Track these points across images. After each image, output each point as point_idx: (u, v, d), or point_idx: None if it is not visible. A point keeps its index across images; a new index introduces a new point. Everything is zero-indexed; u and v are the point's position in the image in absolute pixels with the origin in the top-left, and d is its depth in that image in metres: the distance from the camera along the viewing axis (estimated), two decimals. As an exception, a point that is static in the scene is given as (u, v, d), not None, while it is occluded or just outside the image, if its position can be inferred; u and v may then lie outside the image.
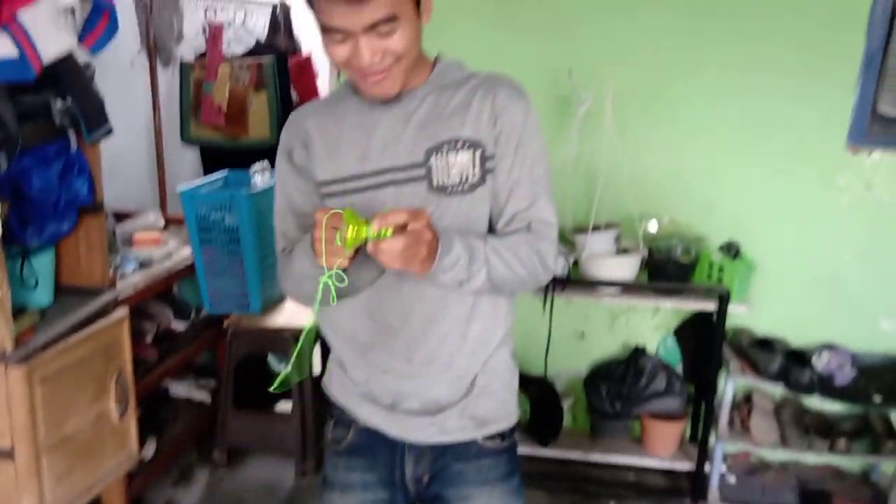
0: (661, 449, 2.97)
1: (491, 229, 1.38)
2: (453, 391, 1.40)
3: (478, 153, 1.30)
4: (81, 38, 2.13)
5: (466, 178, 1.30)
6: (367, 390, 1.43)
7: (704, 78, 2.89)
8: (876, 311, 2.98)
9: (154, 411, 2.91)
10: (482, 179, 1.31)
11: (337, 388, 1.49)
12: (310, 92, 3.93)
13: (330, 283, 1.18)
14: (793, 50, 2.81)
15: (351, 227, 1.14)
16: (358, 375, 1.43)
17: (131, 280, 2.54)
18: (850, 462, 3.02)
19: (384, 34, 1.20)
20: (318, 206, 1.38)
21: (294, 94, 3.75)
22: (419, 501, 1.49)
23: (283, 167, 1.41)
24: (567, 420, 3.14)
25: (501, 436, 1.47)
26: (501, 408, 1.46)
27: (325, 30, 1.21)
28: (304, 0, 1.26)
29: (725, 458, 2.99)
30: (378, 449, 1.45)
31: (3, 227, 1.91)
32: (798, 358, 2.81)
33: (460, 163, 1.30)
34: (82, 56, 2.14)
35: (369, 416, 1.44)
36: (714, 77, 2.88)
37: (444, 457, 1.43)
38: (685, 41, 2.87)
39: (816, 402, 2.95)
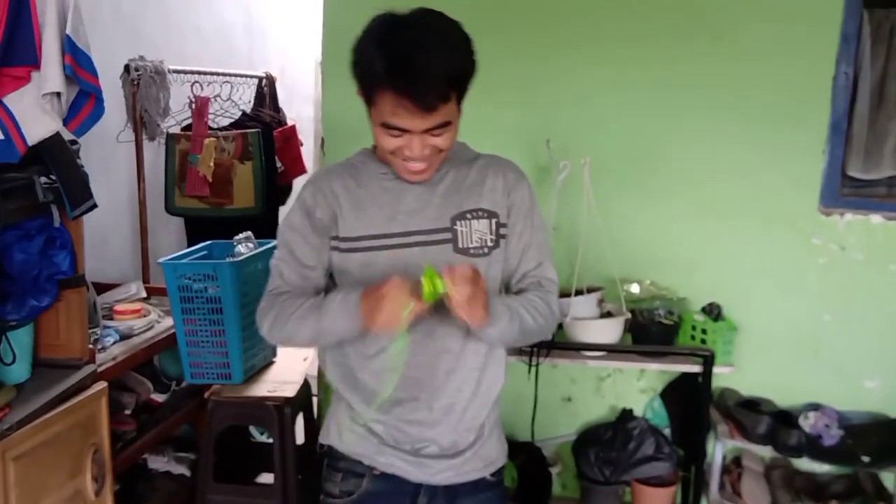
0: (652, 515, 2.92)
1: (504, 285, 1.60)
2: (469, 436, 1.57)
3: (493, 221, 1.54)
4: (66, 122, 2.17)
5: (485, 243, 1.53)
6: (387, 438, 1.55)
7: (679, 146, 2.97)
8: (858, 370, 2.99)
9: (132, 486, 2.84)
10: (496, 244, 1.54)
11: (350, 439, 1.58)
12: (295, 162, 3.98)
13: (401, 345, 1.38)
14: (763, 119, 2.91)
15: (428, 282, 1.32)
16: (378, 427, 1.54)
17: (111, 352, 2.51)
18: (844, 524, 2.98)
19: (436, 135, 1.40)
20: (323, 258, 1.53)
21: (279, 164, 3.80)
22: None
23: (300, 221, 1.54)
24: (556, 487, 3.10)
25: (499, 470, 1.66)
26: (502, 447, 1.67)
27: (384, 125, 1.39)
28: (363, 95, 1.44)
29: (717, 523, 2.94)
30: (394, 494, 1.56)
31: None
32: (785, 419, 2.80)
33: (480, 229, 1.52)
34: (68, 133, 2.17)
35: (390, 462, 1.55)
36: (688, 145, 2.96)
37: (455, 495, 1.58)
38: (659, 113, 2.96)
39: (806, 464, 2.93)
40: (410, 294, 1.33)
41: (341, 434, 1.59)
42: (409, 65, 1.32)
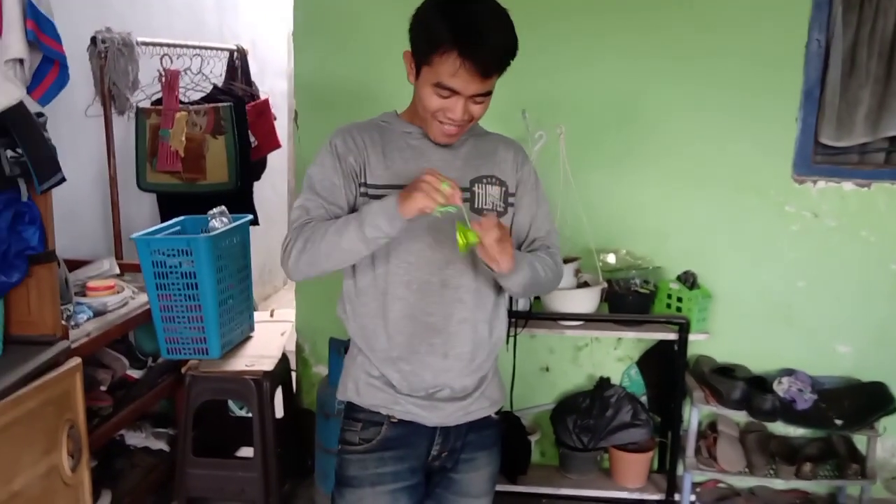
0: (630, 480, 2.96)
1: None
2: (476, 380, 1.70)
3: (503, 189, 1.70)
4: (30, 89, 2.12)
5: (496, 207, 1.68)
6: (401, 387, 1.65)
7: (653, 116, 2.97)
8: (831, 335, 3.04)
9: (109, 462, 2.82)
10: (505, 210, 1.70)
11: (367, 392, 1.68)
12: (268, 136, 3.93)
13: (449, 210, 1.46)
14: (735, 88, 2.92)
15: (461, 235, 1.46)
16: (394, 375, 1.65)
17: (85, 328, 2.48)
18: (817, 486, 3.04)
19: (478, 102, 1.56)
20: (349, 201, 1.62)
21: (252, 139, 3.75)
22: (431, 473, 1.75)
23: (331, 163, 1.63)
24: (535, 455, 3.12)
25: (499, 410, 1.80)
26: (502, 389, 1.82)
27: (438, 85, 1.51)
28: (415, 57, 1.55)
29: (694, 487, 2.99)
30: (412, 437, 1.68)
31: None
32: (759, 384, 2.84)
33: (493, 194, 1.68)
34: (34, 105, 2.12)
35: (407, 409, 1.66)
36: (662, 114, 2.97)
37: (464, 432, 1.71)
38: (633, 82, 2.96)
39: (780, 428, 2.97)
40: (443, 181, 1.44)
41: (359, 389, 1.69)
42: (476, 31, 1.46)
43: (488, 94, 1.56)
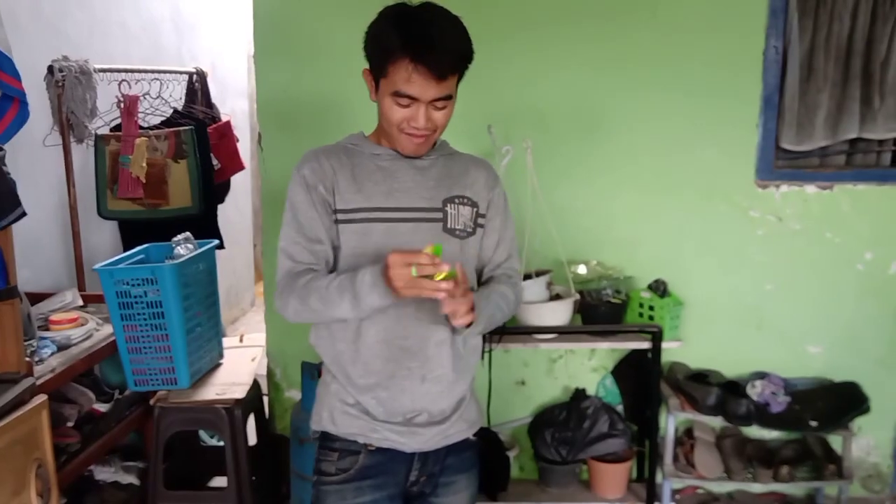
0: (609, 491, 2.96)
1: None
2: (454, 402, 1.69)
3: (474, 210, 1.70)
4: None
5: (466, 227, 1.68)
6: (378, 414, 1.64)
7: (618, 125, 2.99)
8: (801, 337, 3.07)
9: (79, 499, 2.74)
10: (474, 231, 1.70)
11: (343, 421, 1.66)
12: (231, 158, 3.89)
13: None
14: (698, 95, 2.96)
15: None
16: (370, 402, 1.63)
17: (49, 364, 2.41)
18: (795, 488, 3.05)
19: (439, 108, 1.56)
20: (329, 232, 1.63)
21: (215, 161, 3.70)
22: (410, 499, 1.73)
23: (303, 197, 1.63)
24: (514, 470, 3.10)
25: (478, 431, 1.78)
26: (479, 410, 1.81)
27: (396, 94, 1.53)
28: (372, 73, 1.58)
29: (673, 494, 2.99)
30: (390, 464, 1.66)
31: None
32: (733, 389, 2.86)
33: (464, 214, 1.68)
34: (-8, 141, 2.07)
35: (385, 435, 1.64)
36: (627, 123, 2.99)
37: (443, 456, 1.70)
38: (598, 92, 2.98)
39: (756, 431, 2.99)
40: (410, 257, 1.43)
41: (334, 417, 1.67)
42: (426, 35, 1.48)
43: (448, 98, 1.56)
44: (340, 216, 1.63)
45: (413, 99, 1.53)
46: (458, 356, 1.68)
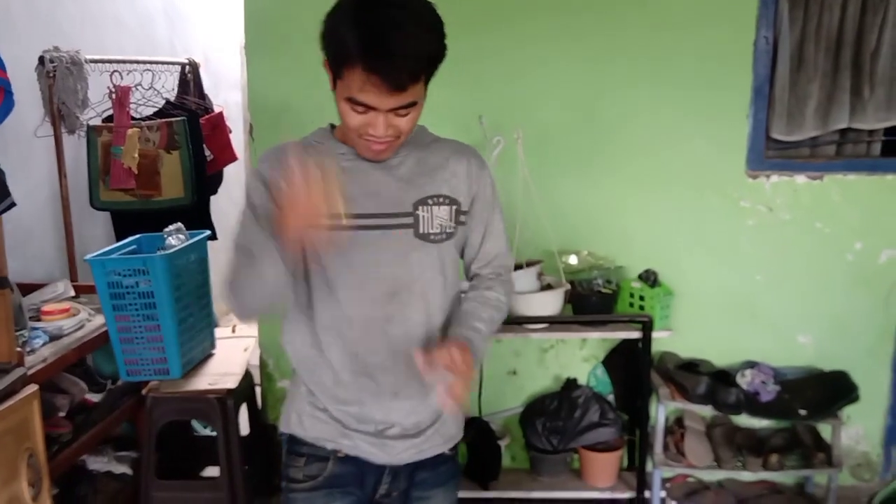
0: (600, 480, 2.98)
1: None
2: (429, 416, 1.58)
3: (454, 208, 1.54)
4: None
5: (444, 229, 1.53)
6: (349, 422, 1.54)
7: (609, 117, 3.00)
8: (791, 326, 3.09)
9: (72, 489, 2.75)
10: (455, 230, 1.55)
11: (312, 425, 1.57)
12: (224, 149, 3.88)
13: None
14: (689, 87, 2.96)
15: None
16: (340, 413, 1.54)
17: (41, 354, 2.42)
18: (785, 476, 3.07)
19: (401, 115, 1.39)
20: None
21: (208, 153, 3.70)
22: None
23: (261, 196, 1.48)
24: (506, 459, 3.12)
25: (456, 445, 1.69)
26: (459, 424, 1.68)
27: (350, 100, 1.36)
28: (329, 68, 1.41)
29: (664, 483, 3.01)
30: (359, 474, 1.57)
31: None
32: (723, 378, 2.87)
33: (441, 215, 1.52)
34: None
35: (355, 444, 1.55)
36: (618, 115, 3.00)
37: (416, 470, 1.60)
38: (588, 85, 2.99)
39: (746, 420, 3.01)
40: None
41: (302, 421, 1.58)
42: (382, 43, 1.29)
43: (412, 105, 1.39)
44: None
45: (370, 107, 1.36)
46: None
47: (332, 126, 1.58)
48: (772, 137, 3.02)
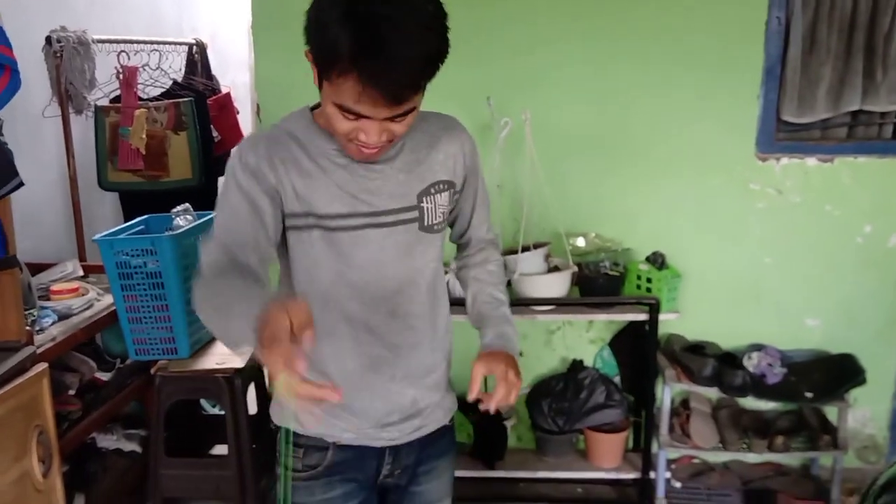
0: (606, 460, 2.99)
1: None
2: (433, 397, 1.55)
3: (451, 192, 1.48)
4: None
5: (444, 216, 1.48)
6: (350, 417, 1.48)
7: (618, 98, 2.98)
8: (799, 309, 3.08)
9: (81, 466, 2.77)
10: (450, 214, 1.52)
11: (309, 420, 1.42)
12: (231, 130, 3.88)
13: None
14: (699, 67, 2.94)
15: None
16: (339, 411, 1.46)
17: (50, 333, 2.43)
18: (790, 458, 3.08)
19: (398, 122, 1.27)
20: (267, 226, 1.35)
21: (215, 133, 3.70)
22: (386, 489, 1.61)
23: (246, 182, 1.34)
24: (511, 440, 3.14)
25: (454, 415, 1.65)
26: (453, 395, 1.64)
27: (341, 107, 1.23)
28: (314, 64, 1.24)
29: (669, 464, 3.02)
30: (360, 458, 1.52)
31: None
32: (729, 360, 2.87)
33: (442, 203, 1.46)
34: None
35: (355, 435, 1.50)
36: (627, 96, 2.97)
37: (418, 448, 1.57)
38: (597, 65, 2.97)
39: (751, 402, 3.01)
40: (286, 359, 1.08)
41: (298, 416, 1.41)
42: (380, 49, 1.14)
43: (407, 112, 1.26)
44: (299, 221, 1.37)
45: (364, 116, 1.24)
46: (437, 352, 1.53)
47: (312, 108, 1.42)
48: (782, 119, 3.00)
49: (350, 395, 1.40)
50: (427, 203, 1.43)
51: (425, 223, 1.43)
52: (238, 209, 1.35)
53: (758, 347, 2.94)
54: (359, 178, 1.37)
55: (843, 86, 2.97)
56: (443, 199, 1.46)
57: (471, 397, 1.37)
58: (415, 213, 1.42)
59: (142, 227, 2.83)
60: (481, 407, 1.38)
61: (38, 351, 2.28)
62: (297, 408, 1.11)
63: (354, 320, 1.43)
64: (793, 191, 3.02)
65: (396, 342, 1.46)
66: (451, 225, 1.62)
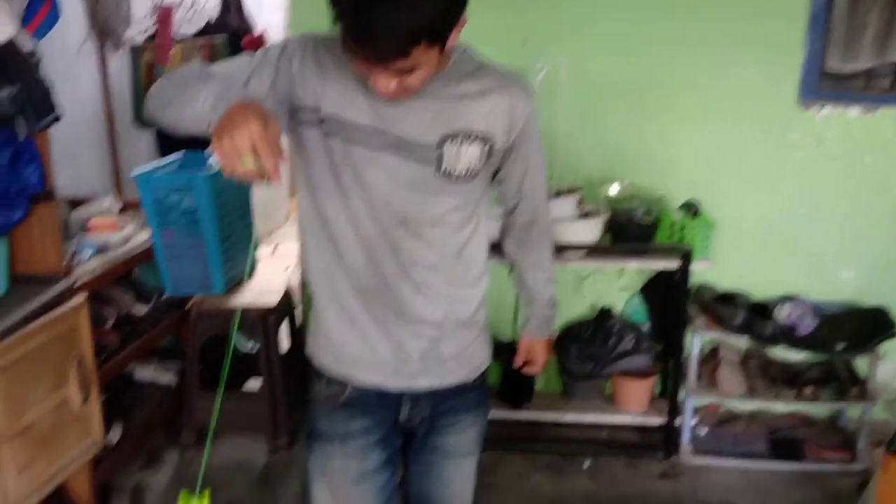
0: (632, 406, 3.01)
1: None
2: (449, 351, 1.52)
3: (486, 147, 1.40)
4: (23, 26, 2.09)
5: (471, 171, 1.40)
6: (363, 353, 1.49)
7: (656, 45, 2.91)
8: (834, 261, 3.04)
9: (119, 396, 2.87)
10: (483, 168, 1.42)
11: (326, 358, 1.53)
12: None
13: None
14: (741, 14, 2.85)
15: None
16: (353, 343, 1.48)
17: (88, 266, 2.49)
18: (818, 409, 3.08)
19: (405, 74, 1.22)
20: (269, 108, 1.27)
21: (249, 74, 3.70)
22: (410, 434, 1.61)
23: (274, 58, 1.34)
24: (539, 383, 3.16)
25: (483, 372, 1.63)
26: (487, 350, 1.63)
27: (347, 50, 1.22)
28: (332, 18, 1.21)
29: (696, 411, 3.03)
30: (379, 400, 1.53)
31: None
32: (761, 311, 2.85)
33: (469, 155, 1.38)
34: (28, 44, 2.10)
35: (370, 376, 1.50)
36: (666, 43, 2.90)
37: (440, 398, 1.55)
38: (635, 11, 2.89)
39: (782, 352, 3.00)
40: (258, 142, 1.10)
41: (319, 349, 1.55)
42: (367, 13, 1.13)
43: (411, 69, 1.22)
44: (325, 126, 1.35)
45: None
46: (450, 295, 1.49)
47: None
48: (826, 69, 2.92)
49: (359, 325, 1.47)
50: (450, 148, 1.36)
51: (442, 169, 1.37)
52: (256, 68, 1.33)
53: (790, 298, 2.92)
54: (388, 103, 1.33)
55: (889, 34, 2.87)
56: (471, 150, 1.38)
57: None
58: (433, 155, 1.36)
59: (178, 163, 2.86)
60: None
61: (78, 284, 2.34)
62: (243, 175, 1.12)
63: (362, 245, 1.41)
64: (833, 141, 2.96)
65: (404, 271, 1.43)
66: (499, 187, 1.57)
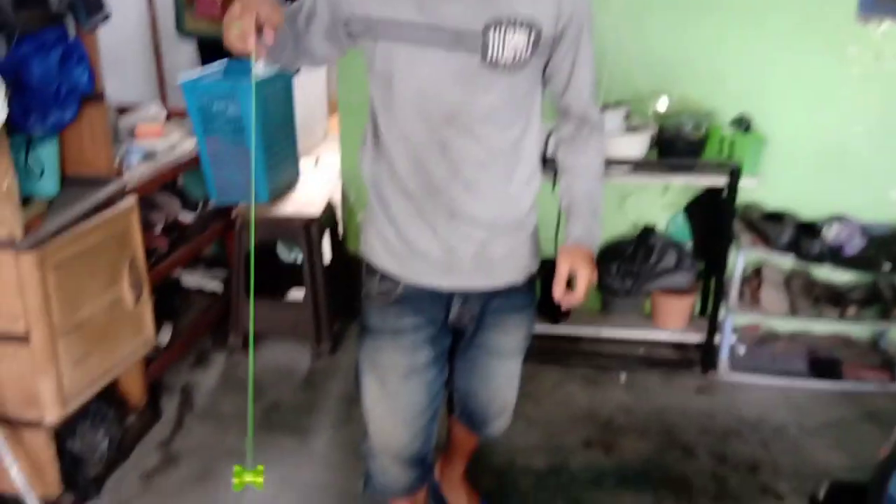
0: (671, 323, 3.01)
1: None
2: (499, 245, 1.54)
3: (533, 33, 1.36)
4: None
5: (518, 58, 1.36)
6: (415, 249, 1.52)
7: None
8: (885, 181, 2.98)
9: (167, 300, 2.94)
10: (531, 58, 1.38)
11: (378, 255, 1.57)
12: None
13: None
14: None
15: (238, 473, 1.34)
16: (405, 238, 1.51)
17: (137, 171, 2.52)
18: (859, 330, 3.06)
19: None
20: (324, 22, 1.43)
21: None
22: (458, 333, 1.67)
23: None
24: (578, 300, 3.17)
25: (532, 274, 1.66)
26: (535, 254, 1.65)
27: None
28: None
29: (735, 329, 3.03)
30: (429, 297, 1.57)
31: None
32: (808, 230, 2.81)
33: (516, 42, 1.35)
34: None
35: (420, 275, 1.54)
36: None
37: (490, 297, 1.60)
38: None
39: (826, 273, 2.97)
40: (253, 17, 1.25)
41: (373, 248, 1.59)
42: None
43: None
44: (361, 25, 1.40)
45: None
46: (499, 194, 1.50)
47: None
48: (890, -22, 2.79)
49: (410, 221, 1.50)
50: (495, 35, 1.33)
51: (489, 56, 1.34)
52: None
53: (838, 218, 2.87)
54: None
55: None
56: (517, 37, 1.34)
57: (556, 295, 1.46)
58: (477, 43, 1.34)
59: (221, 72, 2.86)
60: (563, 306, 1.50)
61: (127, 187, 2.37)
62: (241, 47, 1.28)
63: (412, 139, 1.44)
64: (891, 57, 2.84)
65: (453, 169, 1.44)
66: (548, 84, 1.52)
